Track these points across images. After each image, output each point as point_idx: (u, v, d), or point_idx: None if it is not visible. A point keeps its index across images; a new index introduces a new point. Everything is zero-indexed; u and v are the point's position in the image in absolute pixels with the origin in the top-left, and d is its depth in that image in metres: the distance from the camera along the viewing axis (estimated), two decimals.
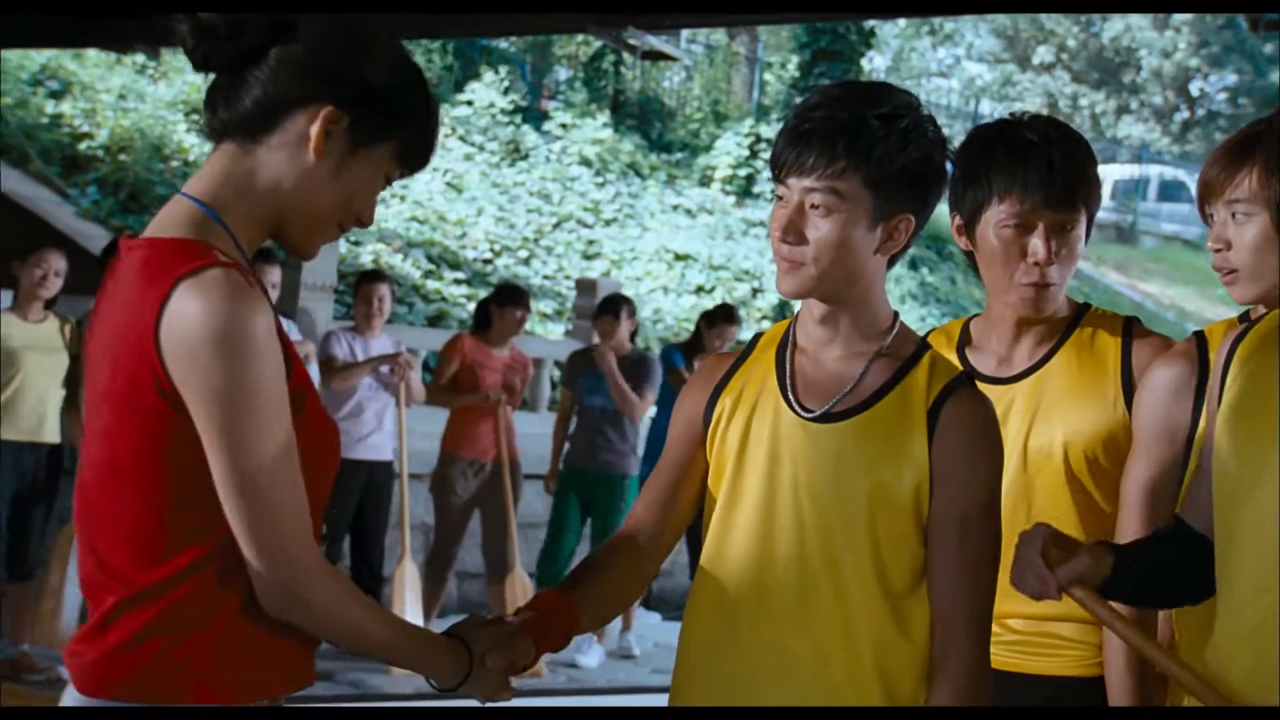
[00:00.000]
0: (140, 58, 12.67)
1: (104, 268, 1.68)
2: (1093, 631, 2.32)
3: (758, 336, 2.12)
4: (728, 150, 17.24)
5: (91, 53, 12.60)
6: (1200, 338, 2.23)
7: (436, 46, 16.02)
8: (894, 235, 1.96)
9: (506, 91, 16.15)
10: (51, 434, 6.02)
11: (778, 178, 1.95)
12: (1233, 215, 2.15)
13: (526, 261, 13.64)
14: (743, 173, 17.01)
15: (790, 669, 1.94)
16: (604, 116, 16.57)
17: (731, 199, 16.89)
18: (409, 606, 6.73)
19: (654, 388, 7.22)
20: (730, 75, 20.12)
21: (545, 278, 13.41)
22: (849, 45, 17.97)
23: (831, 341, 2.00)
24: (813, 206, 1.92)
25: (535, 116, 16.69)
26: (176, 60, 13.34)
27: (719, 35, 20.21)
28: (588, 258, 14.25)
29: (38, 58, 12.58)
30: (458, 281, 12.71)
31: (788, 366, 2.03)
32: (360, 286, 6.98)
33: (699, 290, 14.37)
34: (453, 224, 13.56)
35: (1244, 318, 2.25)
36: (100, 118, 12.31)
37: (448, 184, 14.31)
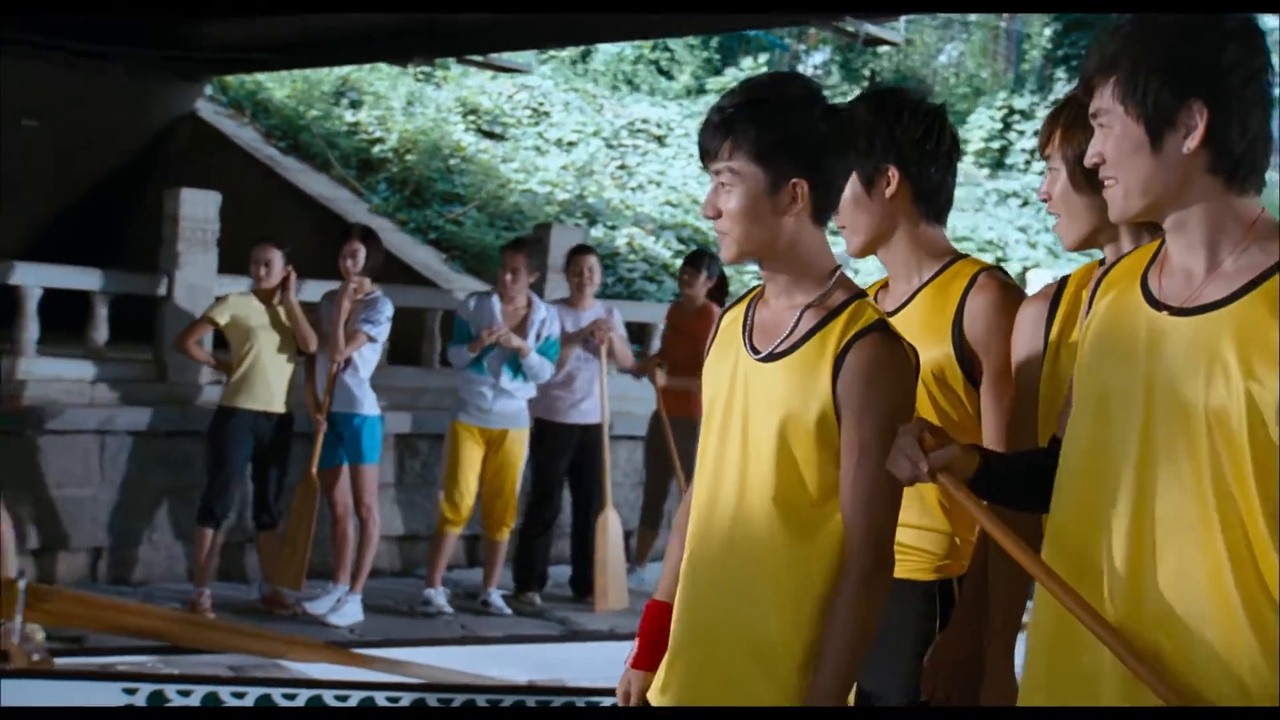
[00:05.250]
0: (424, 68, 13.96)
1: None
2: (928, 537, 2.59)
3: (744, 295, 2.40)
4: (980, 124, 17.45)
5: (382, 65, 13.88)
6: (1063, 281, 2.44)
7: (697, 39, 16.87)
8: (795, 198, 2.21)
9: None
10: (280, 404, 6.77)
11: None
12: (1049, 170, 2.43)
13: None
14: (996, 145, 17.27)
15: (729, 574, 2.25)
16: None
17: (985, 171, 17.16)
18: (611, 549, 7.23)
19: None
20: (991, 49, 20.28)
21: None
22: (1103, 15, 17.87)
23: (778, 294, 2.30)
24: (722, 185, 2.23)
25: None
26: (451, 68, 14.63)
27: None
28: (836, 234, 14.83)
29: (338, 73, 14.09)
30: None
31: (752, 316, 2.33)
32: (571, 260, 7.41)
33: None
34: None
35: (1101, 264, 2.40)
36: (390, 123, 13.54)
37: (702, 169, 15.14)
